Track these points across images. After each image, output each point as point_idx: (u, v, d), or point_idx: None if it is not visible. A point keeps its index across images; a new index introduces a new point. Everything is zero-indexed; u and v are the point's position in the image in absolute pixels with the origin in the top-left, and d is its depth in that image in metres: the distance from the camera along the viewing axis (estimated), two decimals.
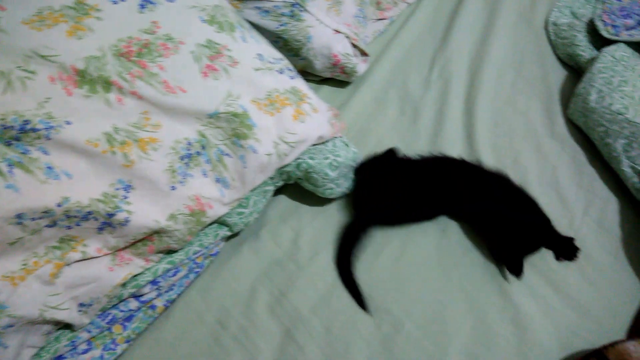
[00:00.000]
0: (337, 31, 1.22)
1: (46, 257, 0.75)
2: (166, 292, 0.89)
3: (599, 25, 1.30)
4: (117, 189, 0.78)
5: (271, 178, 0.95)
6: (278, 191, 1.05)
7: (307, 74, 1.28)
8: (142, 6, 0.85)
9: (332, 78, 1.29)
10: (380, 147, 1.15)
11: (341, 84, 1.30)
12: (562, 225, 1.03)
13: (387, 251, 1.00)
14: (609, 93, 1.12)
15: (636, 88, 1.12)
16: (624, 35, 1.25)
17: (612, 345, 0.81)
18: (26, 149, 0.73)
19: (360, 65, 1.28)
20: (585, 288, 0.96)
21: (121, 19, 0.83)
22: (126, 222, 0.78)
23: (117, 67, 0.79)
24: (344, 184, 1.02)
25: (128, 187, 0.79)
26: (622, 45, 1.23)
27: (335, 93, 1.29)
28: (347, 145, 1.03)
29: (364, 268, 0.97)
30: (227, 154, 0.87)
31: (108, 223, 0.78)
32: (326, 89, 1.29)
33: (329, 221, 1.03)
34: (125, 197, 0.78)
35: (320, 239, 1.01)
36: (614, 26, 1.28)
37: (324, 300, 0.93)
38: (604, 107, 1.11)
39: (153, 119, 0.81)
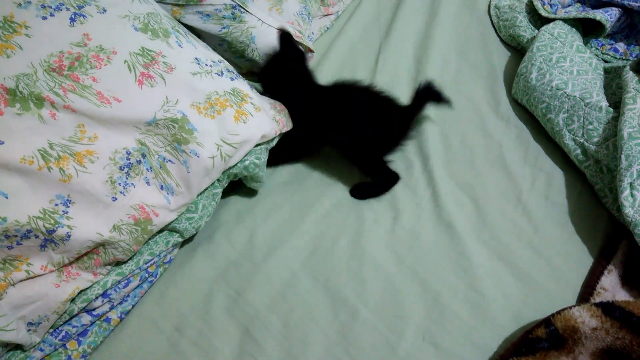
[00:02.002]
0: (281, 30, 1.23)
1: None
2: (120, 303, 0.89)
3: (538, 4, 1.33)
4: (56, 205, 0.77)
5: (219, 180, 0.95)
6: (231, 192, 1.05)
7: (255, 74, 1.28)
8: (73, 20, 0.85)
9: None
10: None
11: None
12: (510, 199, 1.06)
13: (343, 241, 1.01)
14: (549, 70, 1.15)
15: (574, 63, 1.15)
16: (561, 13, 1.28)
17: (559, 312, 0.83)
18: None
19: (306, 62, 1.29)
20: (535, 259, 0.98)
21: (51, 34, 0.82)
22: (68, 237, 0.78)
23: (48, 83, 0.79)
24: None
25: (67, 202, 0.78)
26: (559, 22, 1.26)
27: None
28: None
29: (320, 259, 0.98)
30: (169, 160, 0.87)
31: (50, 239, 0.77)
32: None
33: (283, 218, 1.04)
34: (65, 212, 0.78)
35: (275, 236, 1.02)
36: (551, 5, 1.31)
37: (280, 296, 0.93)
38: (544, 83, 1.13)
39: (89, 132, 0.81)
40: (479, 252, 0.98)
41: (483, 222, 1.03)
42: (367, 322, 0.90)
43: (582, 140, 1.05)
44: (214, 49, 1.22)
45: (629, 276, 0.93)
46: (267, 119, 0.98)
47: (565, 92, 1.09)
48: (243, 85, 0.98)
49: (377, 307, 0.92)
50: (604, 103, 1.05)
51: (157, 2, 1.15)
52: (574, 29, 1.26)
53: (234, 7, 1.17)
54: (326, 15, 1.46)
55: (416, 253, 0.99)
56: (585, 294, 0.92)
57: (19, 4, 0.83)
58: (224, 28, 1.18)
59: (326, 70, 1.33)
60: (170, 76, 0.88)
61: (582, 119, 1.06)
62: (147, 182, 0.87)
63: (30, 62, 0.79)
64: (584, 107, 1.06)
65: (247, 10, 1.18)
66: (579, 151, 1.06)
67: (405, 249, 1.00)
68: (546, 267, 0.97)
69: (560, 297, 0.93)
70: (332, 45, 1.39)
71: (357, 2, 1.51)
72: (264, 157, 0.98)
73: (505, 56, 1.35)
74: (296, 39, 1.25)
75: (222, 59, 1.02)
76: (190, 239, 1.00)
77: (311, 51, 1.31)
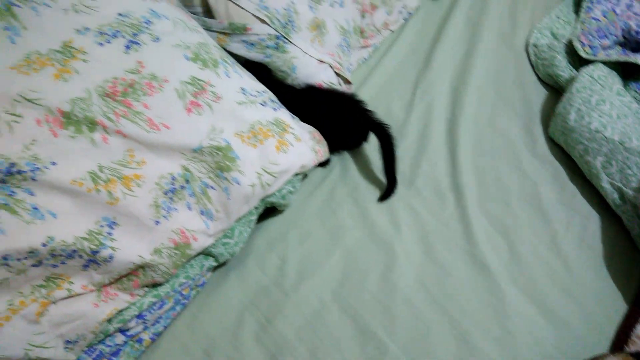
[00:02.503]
0: (321, 61, 1.26)
1: (32, 296, 0.77)
2: (152, 325, 0.91)
3: (578, 45, 1.33)
4: (102, 226, 0.80)
5: (256, 208, 0.97)
6: (264, 218, 1.07)
7: None
8: (128, 47, 0.88)
9: None
10: (365, 169, 1.19)
11: None
12: (544, 240, 1.05)
13: (373, 273, 1.01)
14: (588, 112, 1.14)
15: (613, 106, 1.15)
16: (602, 55, 1.28)
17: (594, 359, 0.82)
18: (12, 190, 0.75)
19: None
20: (569, 303, 0.97)
21: (107, 60, 0.86)
22: (111, 258, 0.80)
23: (102, 107, 0.82)
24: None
25: (112, 224, 0.81)
26: (599, 64, 1.26)
27: None
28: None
29: (350, 290, 0.98)
30: (211, 187, 0.90)
31: (93, 260, 0.80)
32: None
33: (314, 247, 1.06)
34: (110, 234, 0.80)
35: (306, 265, 1.03)
36: (591, 47, 1.31)
37: (309, 326, 0.94)
38: (583, 125, 1.13)
39: (137, 156, 0.84)
40: (512, 292, 0.98)
41: (517, 262, 1.02)
42: (395, 358, 0.90)
43: (619, 185, 1.04)
44: None
45: None
46: (307, 149, 1.00)
47: (604, 135, 1.09)
48: (285, 116, 1.01)
49: (405, 343, 0.92)
50: None
51: (204, 29, 1.20)
52: (614, 72, 1.25)
53: (277, 38, 1.20)
54: (364, 47, 1.49)
55: (447, 290, 0.99)
56: (619, 341, 0.91)
57: (78, 30, 0.87)
58: (267, 57, 1.21)
59: None
60: (217, 105, 0.91)
61: (620, 163, 1.05)
62: (189, 207, 0.89)
63: (86, 86, 0.83)
64: (622, 152, 1.06)
65: (290, 41, 1.21)
66: (616, 195, 1.05)
67: (436, 285, 0.99)
68: (579, 312, 0.96)
69: (593, 343, 0.92)
70: (369, 77, 1.41)
71: (395, 34, 1.53)
72: (299, 185, 0.99)
73: (543, 94, 1.35)
74: (335, 70, 1.28)
75: (266, 89, 1.04)
76: (223, 262, 1.02)
77: (349, 83, 1.33)
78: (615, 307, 0.96)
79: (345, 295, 0.98)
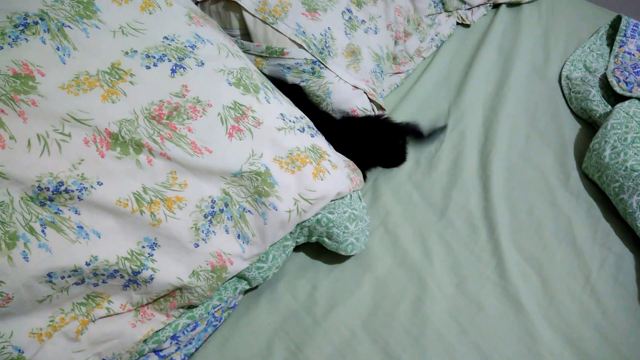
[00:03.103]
0: (356, 87, 1.27)
1: (72, 313, 0.78)
2: (185, 346, 0.91)
3: (613, 81, 1.33)
4: (143, 247, 0.81)
5: (291, 233, 0.97)
6: (296, 247, 1.07)
7: None
8: (173, 71, 0.90)
9: None
10: (397, 197, 1.19)
11: None
12: (578, 279, 1.04)
13: (404, 304, 1.01)
14: (623, 149, 1.14)
15: None
16: (637, 92, 1.28)
17: None
18: (59, 209, 0.77)
19: None
20: (602, 345, 0.96)
21: (153, 83, 0.88)
22: (151, 279, 0.81)
23: (148, 130, 0.84)
24: (362, 238, 1.05)
25: (153, 245, 0.82)
26: (635, 101, 1.25)
27: None
28: (360, 198, 1.06)
29: (380, 321, 0.98)
30: (248, 211, 0.90)
31: (133, 280, 0.81)
32: None
33: (345, 275, 1.06)
34: (151, 255, 0.81)
35: (337, 292, 1.03)
36: (627, 82, 1.31)
37: (338, 355, 0.94)
38: (618, 163, 1.12)
39: (180, 179, 0.85)
40: (545, 331, 0.96)
41: (550, 299, 1.01)
42: None
43: None
44: None
45: None
46: (343, 176, 1.00)
47: None
48: (322, 142, 1.02)
49: None
50: None
51: (242, 51, 1.21)
52: None
53: (314, 62, 1.22)
54: (397, 73, 1.50)
55: (479, 325, 0.98)
56: None
57: (126, 52, 0.89)
58: (303, 81, 1.23)
59: None
60: (257, 130, 0.92)
61: None
62: (227, 231, 0.89)
63: (133, 108, 0.84)
64: None
65: (326, 66, 1.23)
66: None
67: (468, 319, 0.99)
68: (613, 355, 0.95)
69: None
70: (401, 103, 1.41)
71: (427, 61, 1.54)
72: (339, 212, 0.99)
73: (576, 128, 1.35)
74: (370, 96, 1.29)
75: (304, 115, 1.05)
76: (255, 286, 1.02)
77: (382, 109, 1.34)
78: None
79: (375, 325, 0.98)
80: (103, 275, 0.78)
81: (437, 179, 1.24)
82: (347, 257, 1.08)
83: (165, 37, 0.93)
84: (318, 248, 1.08)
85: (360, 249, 1.05)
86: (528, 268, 1.06)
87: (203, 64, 0.93)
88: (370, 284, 1.04)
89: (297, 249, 1.09)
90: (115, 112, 0.83)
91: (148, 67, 0.88)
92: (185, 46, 0.94)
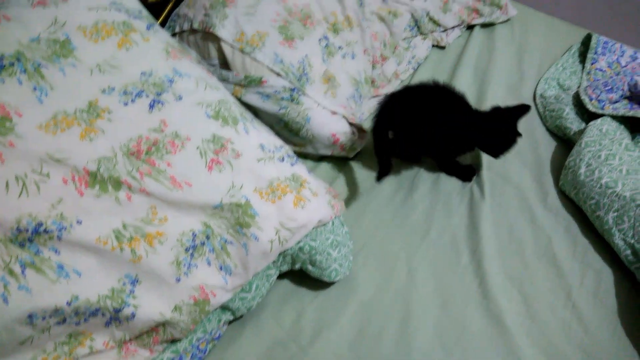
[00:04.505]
0: (335, 112, 1.29)
1: (55, 353, 0.78)
2: None
3: (585, 99, 1.36)
4: (124, 284, 0.81)
5: (274, 262, 0.98)
6: (280, 274, 1.07)
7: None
8: (152, 106, 0.91)
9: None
10: (379, 220, 1.19)
11: (339, 160, 1.35)
12: (559, 296, 1.06)
13: (390, 326, 1.01)
14: (598, 166, 1.16)
15: (623, 161, 1.16)
16: (609, 109, 1.31)
17: None
18: (39, 249, 0.77)
19: (359, 142, 1.33)
20: None
21: (131, 119, 0.89)
22: (133, 316, 0.81)
23: (127, 166, 0.84)
24: (345, 264, 1.05)
25: (135, 282, 0.82)
26: (607, 118, 1.28)
27: (334, 169, 1.33)
28: (342, 224, 1.07)
29: (367, 345, 0.98)
30: (230, 242, 0.91)
31: (115, 318, 0.80)
32: (324, 165, 1.34)
33: (330, 300, 1.06)
34: (132, 292, 0.81)
35: (322, 318, 1.03)
36: (599, 100, 1.34)
37: None
38: (594, 180, 1.15)
39: (160, 214, 0.85)
40: (528, 349, 0.97)
41: (532, 317, 1.02)
42: None
43: (632, 241, 1.05)
44: (271, 127, 1.29)
45: None
46: (324, 204, 1.01)
47: (615, 191, 1.10)
48: (302, 171, 1.03)
49: None
50: None
51: (220, 80, 1.23)
52: (622, 126, 1.28)
53: (292, 90, 1.23)
54: (375, 96, 1.52)
55: (464, 345, 0.99)
56: None
57: (104, 90, 0.90)
58: (282, 108, 1.24)
59: (370, 150, 1.36)
60: (237, 162, 0.93)
61: (632, 219, 1.06)
62: (209, 263, 0.90)
63: (111, 146, 0.85)
64: (634, 208, 1.07)
65: (304, 93, 1.24)
66: (629, 252, 1.06)
67: (453, 339, 0.99)
68: None
69: None
70: None
71: (405, 83, 1.57)
72: (322, 238, 1.00)
73: (552, 145, 1.38)
74: (349, 121, 1.31)
75: (284, 143, 1.07)
76: (240, 316, 1.02)
77: (363, 131, 1.35)
78: None
79: (362, 350, 0.98)
80: (85, 313, 0.78)
81: (418, 200, 1.25)
82: (331, 283, 1.08)
83: (143, 73, 0.94)
84: (302, 274, 1.08)
85: (344, 274, 1.06)
86: (510, 287, 1.07)
87: (181, 98, 0.94)
88: (355, 309, 1.05)
89: (281, 276, 1.09)
90: (94, 151, 0.84)
91: (126, 104, 0.89)
92: (163, 81, 0.95)
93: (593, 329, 1.01)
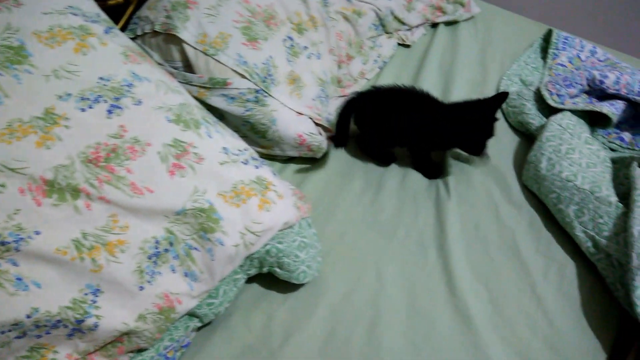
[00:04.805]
0: (301, 113, 1.28)
1: None
2: None
3: (546, 94, 1.39)
4: (86, 294, 0.79)
5: (241, 266, 0.97)
6: (249, 278, 1.06)
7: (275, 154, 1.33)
8: (110, 111, 0.89)
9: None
10: (348, 221, 1.20)
11: (307, 160, 1.35)
12: (525, 291, 1.08)
13: (359, 328, 1.02)
14: (558, 161, 1.19)
15: (582, 155, 1.19)
16: (569, 104, 1.34)
17: None
18: None
19: (325, 142, 1.34)
20: (551, 355, 0.99)
21: (89, 125, 0.87)
22: (95, 327, 0.79)
23: (85, 174, 0.83)
24: (314, 265, 1.05)
25: (97, 291, 0.80)
26: (568, 113, 1.31)
27: (302, 170, 1.33)
28: (309, 226, 1.07)
29: (336, 347, 0.98)
30: (195, 248, 0.90)
31: (77, 329, 0.79)
32: (292, 167, 1.34)
33: (300, 303, 1.06)
34: (94, 302, 0.80)
35: (292, 321, 1.03)
36: (559, 95, 1.37)
37: None
38: (554, 174, 1.17)
39: (121, 221, 0.84)
40: (495, 345, 0.99)
41: (498, 313, 1.04)
42: None
43: (592, 234, 1.08)
44: (237, 129, 1.29)
45: None
46: (289, 206, 1.01)
47: (575, 185, 1.13)
48: (267, 173, 1.02)
49: None
50: (614, 198, 1.09)
51: (184, 83, 1.22)
52: (582, 120, 1.31)
53: (257, 91, 1.23)
54: (342, 96, 1.52)
55: (433, 344, 1.00)
56: None
57: (60, 96, 0.87)
58: (248, 110, 1.23)
59: (339, 150, 1.37)
60: (199, 166, 0.92)
61: (592, 212, 1.09)
62: (173, 270, 0.89)
63: (69, 153, 0.83)
64: (593, 201, 1.10)
65: (270, 95, 1.24)
66: (590, 244, 1.09)
67: (421, 338, 1.00)
68: None
69: None
70: None
71: (371, 82, 1.58)
72: (288, 241, 1.00)
73: (515, 141, 1.40)
74: (315, 121, 1.31)
75: (248, 146, 1.06)
76: (208, 322, 1.01)
77: (330, 131, 1.36)
78: (596, 357, 0.99)
79: (332, 352, 0.98)
80: (46, 326, 0.76)
81: (386, 199, 1.26)
82: (301, 285, 1.08)
83: (101, 78, 0.92)
84: (271, 278, 1.08)
85: (312, 276, 1.06)
86: (477, 283, 1.09)
87: (141, 102, 0.93)
88: (325, 310, 1.05)
89: (250, 280, 1.09)
90: (51, 158, 0.82)
91: (83, 110, 0.87)
92: (122, 85, 0.93)
93: (558, 321, 1.03)
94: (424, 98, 1.24)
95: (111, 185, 0.83)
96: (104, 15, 1.10)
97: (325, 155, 1.35)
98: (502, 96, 1.18)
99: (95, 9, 1.09)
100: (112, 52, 0.98)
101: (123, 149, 0.87)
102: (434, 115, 1.20)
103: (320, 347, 0.99)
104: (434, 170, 1.30)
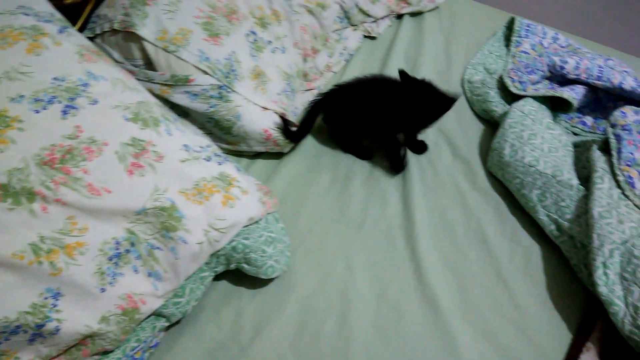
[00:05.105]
0: (266, 108, 1.28)
1: None
2: None
3: (508, 81, 1.41)
4: (46, 298, 0.78)
5: (207, 264, 0.96)
6: (218, 275, 1.06)
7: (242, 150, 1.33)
8: (65, 112, 0.88)
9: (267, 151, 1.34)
10: (317, 214, 1.20)
11: (275, 155, 1.34)
12: (491, 275, 1.09)
13: (330, 320, 1.02)
14: (521, 147, 1.20)
15: (544, 140, 1.21)
16: (531, 90, 1.36)
17: None
18: None
19: None
20: (518, 337, 1.00)
21: (44, 127, 0.85)
22: (57, 330, 0.78)
23: (40, 177, 0.81)
24: (282, 260, 1.05)
25: (57, 295, 0.79)
26: (529, 99, 1.33)
27: (269, 165, 1.33)
28: (277, 220, 1.06)
29: (307, 340, 0.99)
30: (157, 248, 0.89)
31: (38, 334, 0.77)
32: (260, 162, 1.33)
33: (270, 297, 1.05)
34: (55, 306, 0.78)
35: (262, 316, 1.02)
36: (521, 82, 1.39)
37: None
38: (517, 160, 1.19)
39: (79, 223, 0.82)
40: (464, 331, 1.00)
41: (466, 299, 1.05)
42: None
43: (555, 217, 1.10)
44: (202, 126, 1.27)
45: (607, 354, 0.96)
46: (254, 201, 1.00)
47: (538, 169, 1.15)
48: (230, 169, 1.01)
49: None
50: (575, 181, 1.11)
51: (146, 81, 1.20)
52: (543, 106, 1.33)
53: (220, 87, 1.21)
54: (309, 90, 1.52)
55: (402, 332, 1.00)
56: None
57: (12, 98, 0.85)
58: (212, 107, 1.22)
59: (309, 143, 1.37)
60: (159, 165, 0.91)
61: (554, 195, 1.11)
62: (135, 270, 0.88)
63: (23, 156, 0.81)
64: (555, 185, 1.11)
65: (233, 90, 1.23)
66: (553, 227, 1.11)
67: (391, 328, 1.01)
68: (528, 345, 0.99)
69: None
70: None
71: (338, 75, 1.58)
72: (255, 236, 0.99)
73: (480, 129, 1.42)
74: (281, 115, 1.30)
75: (211, 143, 1.05)
76: (177, 321, 1.00)
77: (296, 126, 1.35)
78: (562, 337, 1.01)
79: (303, 345, 0.98)
80: (4, 332, 0.75)
81: (354, 191, 1.26)
82: (270, 280, 1.08)
83: (55, 78, 0.90)
84: (241, 274, 1.07)
85: (281, 270, 1.06)
86: (444, 270, 1.10)
87: (97, 101, 0.91)
88: (295, 305, 1.05)
89: (219, 277, 1.08)
90: (4, 162, 0.80)
91: (37, 112, 0.86)
92: (77, 85, 0.91)
93: (524, 304, 1.05)
94: (384, 84, 1.27)
95: (67, 187, 0.82)
96: (58, 15, 1.08)
97: (292, 150, 1.35)
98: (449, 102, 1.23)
99: (49, 9, 1.07)
100: (66, 52, 0.96)
101: (79, 149, 0.85)
102: (397, 99, 1.22)
103: (291, 341, 0.99)
104: (399, 163, 1.31)
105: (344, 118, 1.28)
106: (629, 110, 1.20)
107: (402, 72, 1.27)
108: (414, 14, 1.79)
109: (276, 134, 1.28)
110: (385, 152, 1.33)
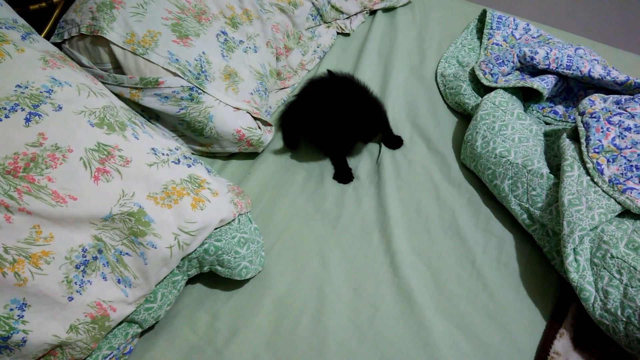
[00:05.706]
0: (238, 108, 1.27)
1: None
2: None
3: (479, 74, 1.41)
4: (12, 310, 0.77)
5: (179, 267, 0.96)
6: (192, 278, 1.05)
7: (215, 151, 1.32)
8: (28, 119, 0.86)
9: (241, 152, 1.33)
10: (292, 212, 1.20)
11: (249, 155, 1.34)
12: (465, 266, 1.10)
13: (305, 317, 1.02)
14: (492, 138, 1.21)
15: (515, 130, 1.22)
16: (502, 82, 1.37)
17: None
18: None
19: (266, 136, 1.33)
20: (491, 326, 1.01)
21: (6, 136, 0.84)
22: (24, 342, 0.77)
23: (3, 186, 0.80)
24: (256, 260, 1.05)
25: (23, 306, 0.78)
26: (500, 91, 1.34)
27: (244, 165, 1.33)
28: (250, 221, 1.06)
29: (283, 339, 0.98)
30: (126, 254, 0.88)
31: (4, 346, 0.76)
32: (234, 163, 1.33)
33: (245, 298, 1.05)
34: (21, 317, 0.77)
35: (238, 318, 1.02)
36: (492, 74, 1.40)
37: None
38: (489, 151, 1.20)
39: (44, 232, 0.81)
40: (438, 322, 1.01)
41: (440, 290, 1.06)
42: None
43: (527, 206, 1.11)
44: (175, 128, 1.27)
45: (580, 339, 0.97)
46: (225, 203, 1.00)
47: (509, 160, 1.15)
48: (201, 171, 1.01)
49: None
50: (545, 170, 1.12)
51: (116, 85, 1.19)
52: (514, 97, 1.34)
53: (191, 89, 1.21)
54: (282, 88, 1.52)
55: (377, 327, 1.01)
56: (540, 358, 0.95)
57: None
58: (183, 109, 1.21)
59: (281, 143, 1.37)
60: (126, 169, 0.90)
61: (525, 185, 1.12)
62: (104, 278, 0.87)
63: None
64: (526, 174, 1.12)
65: (204, 91, 1.22)
66: (525, 216, 1.12)
67: (366, 322, 1.01)
68: (502, 333, 1.00)
69: None
70: None
71: (312, 73, 1.57)
72: (227, 238, 0.99)
73: (453, 122, 1.42)
74: (253, 115, 1.30)
75: (180, 145, 1.04)
76: (151, 326, 0.99)
77: (269, 125, 1.35)
78: (535, 324, 1.01)
79: (278, 344, 0.98)
80: None
81: (329, 188, 1.26)
82: (246, 281, 1.08)
83: (18, 86, 0.89)
84: (215, 277, 1.07)
85: (256, 271, 1.05)
86: (419, 263, 1.10)
87: (61, 108, 0.90)
88: (271, 304, 1.05)
89: (194, 280, 1.08)
90: None
91: None
92: (41, 92, 0.90)
93: (497, 293, 1.06)
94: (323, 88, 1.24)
95: (32, 196, 0.81)
96: (21, 21, 1.06)
97: (267, 149, 1.35)
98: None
99: (12, 15, 1.05)
100: (29, 58, 0.95)
101: (43, 157, 0.84)
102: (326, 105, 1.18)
103: (267, 341, 0.99)
104: (346, 176, 1.29)
105: (309, 126, 1.25)
106: (596, 97, 1.21)
107: (329, 72, 1.23)
108: (387, 10, 1.79)
109: (249, 134, 1.28)
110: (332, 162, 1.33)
